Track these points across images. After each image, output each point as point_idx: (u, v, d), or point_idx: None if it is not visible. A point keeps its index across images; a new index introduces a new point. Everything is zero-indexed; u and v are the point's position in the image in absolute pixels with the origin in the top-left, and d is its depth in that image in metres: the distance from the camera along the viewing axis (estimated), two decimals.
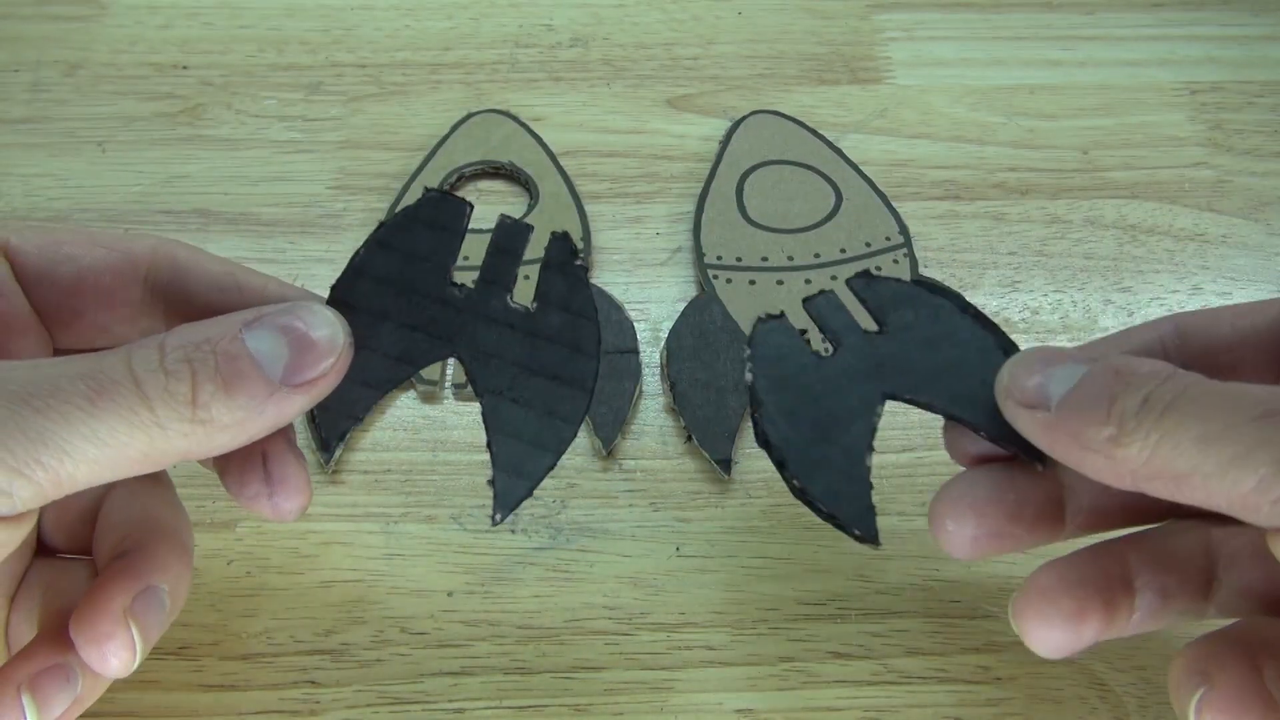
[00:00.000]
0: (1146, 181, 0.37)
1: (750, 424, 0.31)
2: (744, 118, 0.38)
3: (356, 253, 0.23)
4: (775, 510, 0.29)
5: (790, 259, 0.34)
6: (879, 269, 0.33)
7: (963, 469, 0.23)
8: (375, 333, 0.23)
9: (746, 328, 0.32)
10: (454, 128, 0.38)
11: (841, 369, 0.25)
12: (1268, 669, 0.20)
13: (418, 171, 0.36)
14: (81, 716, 0.25)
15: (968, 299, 0.26)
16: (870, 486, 0.24)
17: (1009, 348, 0.25)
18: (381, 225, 0.24)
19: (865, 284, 0.26)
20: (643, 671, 0.26)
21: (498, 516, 0.23)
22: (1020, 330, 0.33)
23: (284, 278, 0.34)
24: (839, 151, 0.37)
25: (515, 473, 0.23)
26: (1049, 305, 0.34)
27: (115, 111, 0.39)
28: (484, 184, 0.37)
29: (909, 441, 0.31)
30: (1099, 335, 0.33)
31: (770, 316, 0.26)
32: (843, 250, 0.34)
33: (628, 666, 0.26)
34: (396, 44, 0.42)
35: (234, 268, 0.24)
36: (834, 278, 0.33)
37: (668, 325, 0.32)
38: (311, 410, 0.22)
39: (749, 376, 0.26)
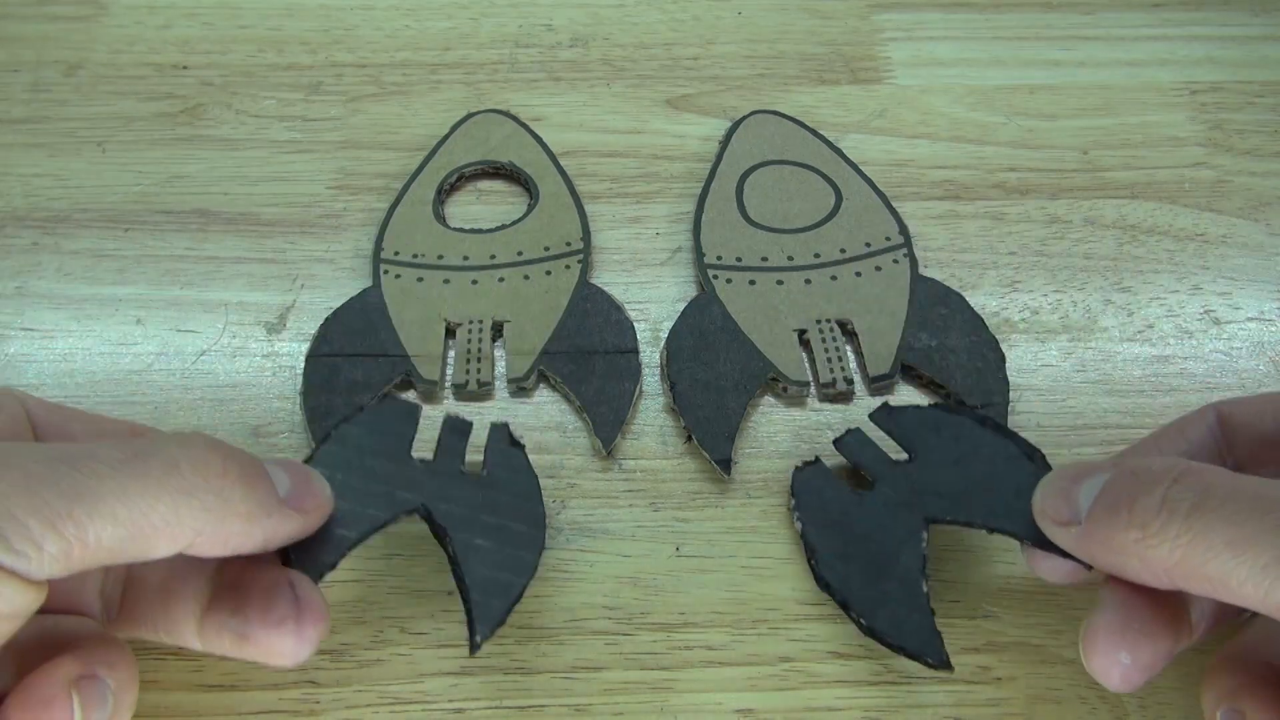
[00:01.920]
0: (1146, 181, 0.37)
1: (748, 426, 0.31)
2: (744, 118, 0.38)
3: (326, 434, 0.26)
4: (775, 510, 0.29)
5: (790, 259, 0.34)
6: (879, 269, 0.33)
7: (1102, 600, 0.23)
8: (347, 497, 0.25)
9: (746, 327, 0.32)
10: (454, 127, 0.38)
11: (882, 503, 0.27)
12: None
13: (418, 171, 0.36)
14: None
15: (985, 415, 0.28)
16: (932, 613, 0.25)
17: (1032, 453, 0.27)
18: (341, 421, 0.27)
19: (887, 415, 0.29)
20: (643, 671, 0.26)
21: (478, 638, 0.24)
22: (1020, 330, 0.33)
23: (284, 278, 0.34)
24: (839, 151, 0.37)
25: (491, 593, 0.25)
26: (1049, 305, 0.34)
27: (115, 111, 0.39)
28: (484, 184, 0.37)
29: None
30: (1099, 336, 0.33)
31: (806, 464, 0.29)
32: (843, 250, 0.34)
33: (628, 666, 0.26)
34: (396, 44, 0.42)
35: None
36: (834, 278, 0.33)
37: (668, 325, 0.32)
38: (288, 556, 0.24)
39: (798, 525, 0.28)
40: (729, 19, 0.43)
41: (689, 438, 0.30)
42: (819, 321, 0.32)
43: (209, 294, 0.34)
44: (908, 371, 0.32)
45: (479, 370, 0.31)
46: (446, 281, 0.33)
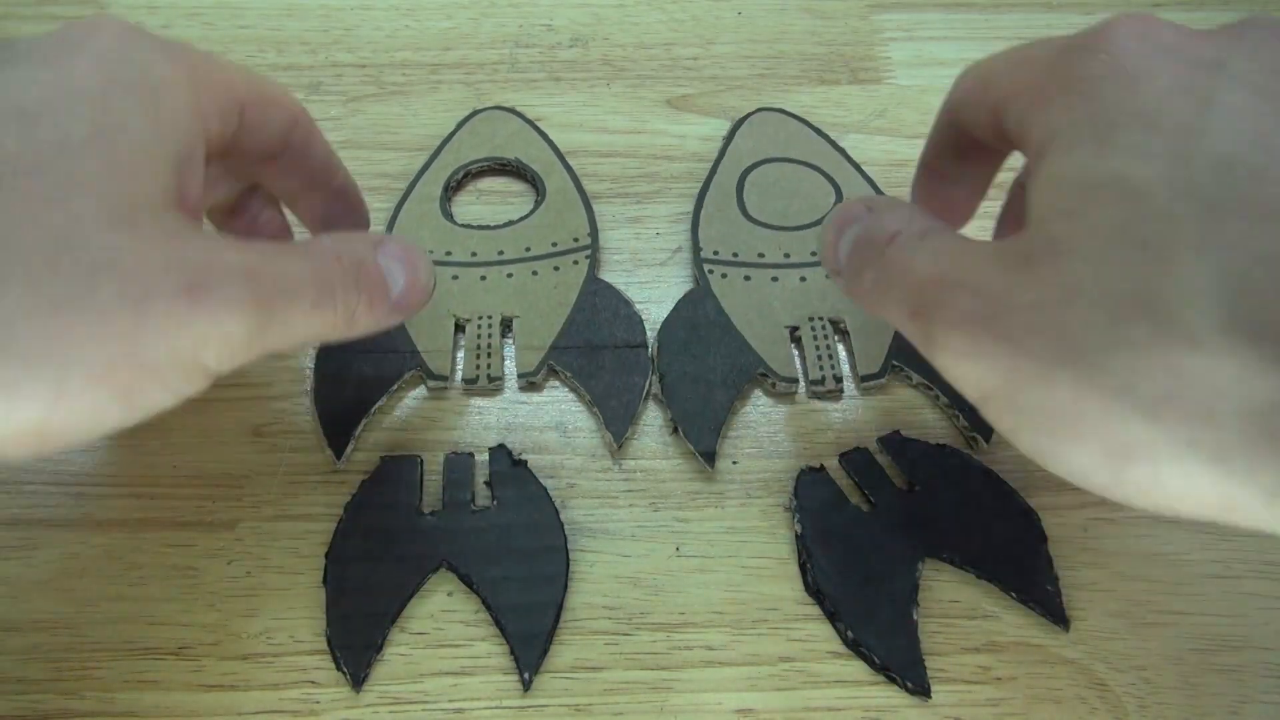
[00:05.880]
0: None
1: (738, 424, 0.31)
2: (748, 115, 0.38)
3: (340, 519, 0.28)
4: (775, 510, 0.29)
5: (786, 256, 0.34)
6: None
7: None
8: (373, 575, 0.27)
9: (739, 322, 0.32)
10: (460, 124, 0.38)
11: (882, 525, 0.28)
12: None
13: (425, 167, 0.36)
14: (78, 717, 0.25)
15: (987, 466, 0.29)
16: (918, 641, 0.26)
17: (1028, 511, 0.28)
18: (355, 494, 0.28)
19: (898, 443, 0.29)
20: (643, 671, 0.26)
21: (527, 675, 0.25)
22: None
23: None
24: (841, 150, 0.37)
25: (527, 641, 0.26)
26: None
27: None
28: (490, 180, 0.37)
29: None
30: None
31: (811, 469, 0.29)
32: None
33: (628, 666, 0.26)
34: (396, 44, 0.42)
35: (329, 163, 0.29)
36: (829, 276, 0.33)
37: None
38: (334, 650, 0.26)
39: (797, 528, 0.28)
40: (729, 19, 0.43)
41: (675, 429, 0.30)
42: (811, 319, 0.32)
43: None
44: (897, 371, 0.32)
45: (489, 365, 0.31)
46: (455, 278, 0.33)
